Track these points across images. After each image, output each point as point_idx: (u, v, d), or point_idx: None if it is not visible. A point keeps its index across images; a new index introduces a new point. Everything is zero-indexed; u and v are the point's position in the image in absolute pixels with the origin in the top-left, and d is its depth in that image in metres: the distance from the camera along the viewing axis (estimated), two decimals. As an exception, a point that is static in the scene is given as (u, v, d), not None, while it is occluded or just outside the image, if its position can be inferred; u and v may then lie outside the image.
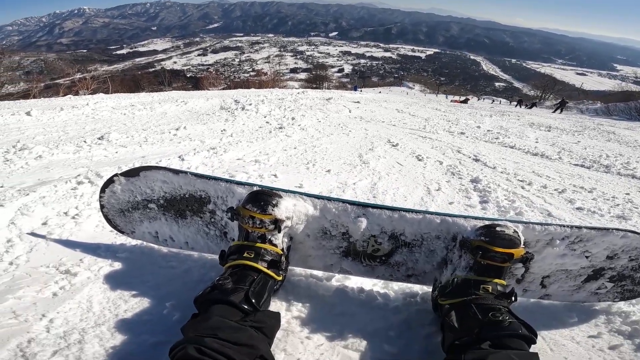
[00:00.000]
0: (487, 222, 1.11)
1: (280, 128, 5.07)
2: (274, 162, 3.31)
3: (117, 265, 1.39)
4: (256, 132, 4.76)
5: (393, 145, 4.61)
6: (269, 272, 1.11)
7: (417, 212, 1.18)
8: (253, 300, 1.01)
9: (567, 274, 1.14)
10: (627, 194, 3.03)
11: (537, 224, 1.11)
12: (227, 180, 1.31)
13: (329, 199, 1.24)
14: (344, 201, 1.23)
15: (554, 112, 17.42)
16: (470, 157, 4.23)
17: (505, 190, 2.95)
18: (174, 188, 1.35)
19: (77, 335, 1.05)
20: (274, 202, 1.16)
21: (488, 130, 6.58)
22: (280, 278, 1.17)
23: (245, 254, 1.12)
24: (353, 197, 2.52)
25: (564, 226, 1.11)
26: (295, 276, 1.40)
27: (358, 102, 10.49)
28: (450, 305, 1.04)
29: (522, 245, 1.06)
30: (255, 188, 1.25)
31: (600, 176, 3.65)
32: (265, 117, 5.95)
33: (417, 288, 1.36)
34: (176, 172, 1.34)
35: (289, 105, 7.68)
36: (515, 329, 0.90)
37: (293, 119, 5.98)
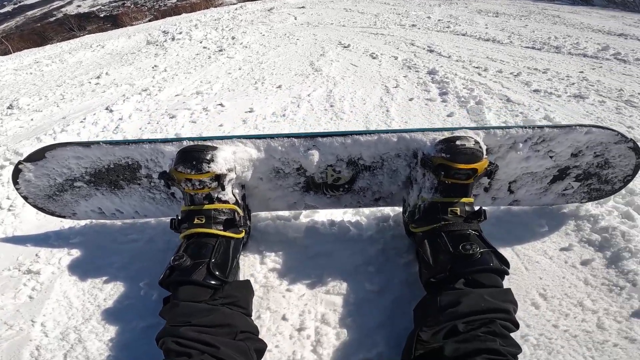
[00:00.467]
0: (446, 134, 1.01)
1: (220, 51, 4.63)
2: (219, 90, 3.04)
3: (75, 253, 1.28)
4: (193, 60, 4.30)
5: (345, 47, 4.41)
6: (227, 233, 1.02)
7: (370, 133, 1.07)
8: (217, 273, 0.93)
9: (533, 176, 1.11)
10: (581, 72, 3.02)
11: (497, 128, 1.04)
12: (149, 141, 1.12)
13: (271, 136, 1.10)
14: (288, 135, 1.10)
15: None
16: (424, 49, 4.11)
17: (462, 79, 2.90)
18: (93, 162, 1.15)
19: (73, 334, 1.02)
20: (208, 158, 1.01)
21: (439, 20, 6.40)
22: (241, 235, 1.08)
23: (196, 220, 1.01)
24: (309, 110, 2.42)
25: (525, 127, 1.04)
26: (261, 221, 1.33)
27: (303, 6, 9.78)
28: (421, 232, 1.01)
29: (485, 156, 0.99)
30: (184, 143, 1.08)
31: (552, 57, 3.62)
32: (201, 42, 5.40)
33: (388, 210, 1.33)
34: (86, 144, 1.13)
35: (227, 25, 6.98)
36: (487, 263, 0.88)
37: (233, 38, 5.47)
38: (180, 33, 6.18)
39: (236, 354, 0.80)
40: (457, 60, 3.50)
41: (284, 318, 1.02)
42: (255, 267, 1.17)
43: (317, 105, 2.51)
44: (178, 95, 2.97)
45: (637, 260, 1.05)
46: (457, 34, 5.01)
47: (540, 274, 1.08)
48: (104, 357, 0.95)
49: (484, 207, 1.00)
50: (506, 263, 0.90)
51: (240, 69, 3.66)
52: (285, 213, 1.34)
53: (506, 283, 1.00)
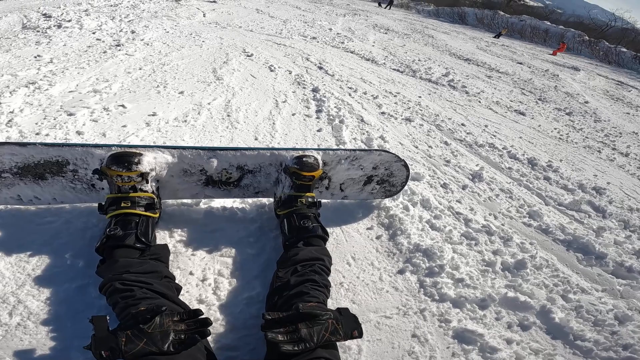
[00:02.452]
0: (299, 152, 1.54)
1: (118, 46, 4.23)
2: (118, 90, 2.92)
3: (-6, 233, 1.39)
4: (85, 54, 3.83)
5: (248, 56, 4.50)
6: (148, 213, 1.35)
7: (253, 149, 1.54)
8: (143, 239, 1.27)
9: (353, 180, 1.71)
10: (420, 97, 3.77)
11: (330, 149, 1.60)
12: (82, 145, 1.38)
13: (183, 148, 1.48)
14: (196, 148, 1.49)
15: (386, 7, 18.44)
16: (316, 65, 4.49)
17: (336, 98, 3.38)
18: (26, 158, 1.36)
19: (12, 297, 1.19)
20: (136, 161, 1.33)
21: (337, 34, 6.79)
22: (157, 215, 1.41)
23: (123, 204, 1.31)
24: (208, 118, 2.63)
25: (345, 150, 1.63)
26: (169, 207, 1.65)
27: (214, 1, 9.25)
28: (283, 214, 1.52)
29: (321, 168, 1.55)
30: (114, 149, 1.37)
31: (407, 80, 4.34)
32: (94, 33, 4.74)
33: (265, 200, 1.76)
34: (23, 144, 1.34)
35: (126, 14, 6.24)
36: (315, 232, 1.42)
37: (133, 32, 4.99)
38: (69, 20, 5.15)
39: (164, 289, 1.12)
40: (337, 79, 3.98)
41: (190, 273, 1.37)
42: (166, 239, 1.49)
43: (216, 113, 2.71)
44: (72, 92, 2.80)
45: (404, 236, 1.68)
46: (347, 51, 5.53)
47: (353, 244, 1.63)
48: (45, 311, 1.16)
49: (323, 200, 1.57)
50: (326, 233, 1.45)
51: (140, 69, 3.50)
52: (188, 201, 1.69)
53: (332, 248, 1.54)
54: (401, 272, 1.54)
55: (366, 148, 2.05)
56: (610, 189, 2.59)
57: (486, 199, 2.12)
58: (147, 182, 1.37)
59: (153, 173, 1.39)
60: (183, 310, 1.03)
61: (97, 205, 1.39)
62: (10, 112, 2.38)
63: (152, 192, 1.40)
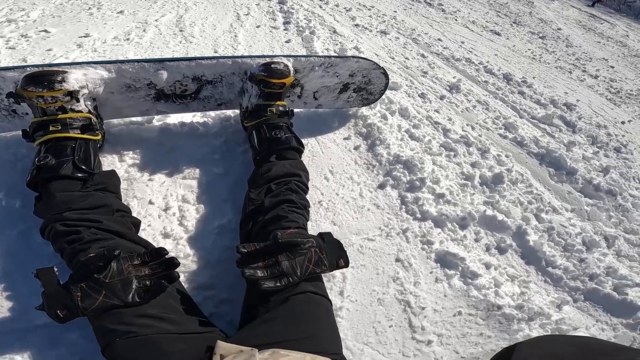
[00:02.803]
0: (267, 59, 1.32)
1: None
2: (38, 17, 2.43)
3: None
4: None
5: None
6: (85, 135, 1.11)
7: (211, 58, 1.30)
8: (83, 167, 1.04)
9: (328, 88, 1.53)
10: (395, 11, 3.53)
11: (302, 56, 1.39)
12: None
13: (121, 62, 1.20)
14: (138, 61, 1.22)
15: None
16: None
17: (306, 10, 3.10)
18: None
19: None
20: (59, 79, 1.06)
21: None
22: (99, 137, 1.18)
23: (52, 128, 1.07)
24: (157, 35, 2.29)
25: (319, 56, 1.42)
26: (114, 127, 1.40)
27: None
28: (251, 126, 1.33)
29: (292, 74, 1.34)
30: (29, 70, 1.08)
31: None
32: None
33: (230, 112, 1.55)
34: None
35: None
36: (289, 142, 1.26)
37: None
38: None
39: (117, 226, 0.94)
40: None
41: (150, 202, 1.20)
42: (115, 165, 1.28)
43: (166, 30, 2.37)
44: None
45: (384, 147, 1.58)
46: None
47: (330, 156, 1.52)
48: None
49: (296, 109, 1.39)
50: (302, 144, 1.30)
51: None
52: (138, 118, 1.44)
53: (308, 161, 1.41)
54: (382, 186, 1.46)
55: (342, 55, 1.84)
56: (579, 106, 2.61)
57: (464, 109, 2.06)
58: (79, 101, 1.11)
59: (85, 91, 1.13)
60: (144, 251, 0.86)
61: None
62: None
63: (89, 112, 1.15)
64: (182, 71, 1.28)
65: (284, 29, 2.67)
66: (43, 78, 1.05)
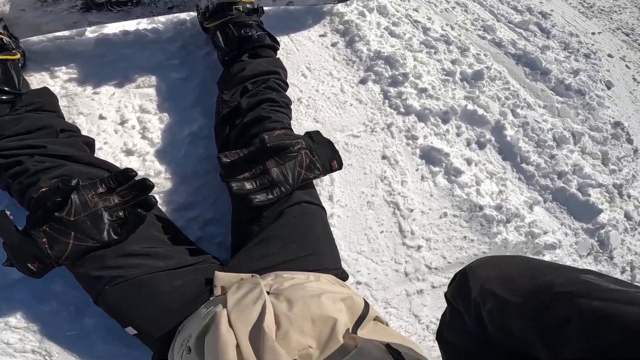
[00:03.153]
0: None
1: None
2: None
3: None
4: None
5: None
6: (1, 56, 0.89)
7: None
8: (6, 88, 0.84)
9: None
10: None
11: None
12: None
13: None
14: None
15: None
16: None
17: None
18: None
19: None
20: None
21: None
22: (18, 56, 0.95)
23: None
24: None
25: None
26: (35, 44, 1.13)
27: None
28: (214, 27, 1.13)
29: None
30: None
31: None
32: None
33: (184, 15, 1.33)
34: None
35: None
36: (262, 40, 1.08)
37: None
38: None
39: (65, 148, 0.79)
40: None
41: (101, 117, 1.03)
42: (47, 83, 1.07)
43: None
44: None
45: (363, 43, 1.44)
46: None
47: (306, 53, 1.37)
48: None
49: (265, 7, 1.19)
50: (276, 41, 1.13)
51: None
52: (64, 33, 1.17)
53: (282, 59, 1.25)
54: (363, 81, 1.36)
55: None
56: (554, 16, 2.57)
57: (442, 10, 1.93)
58: None
59: None
60: (107, 175, 0.70)
61: None
62: None
63: None
64: None
65: None
66: None
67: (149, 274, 0.66)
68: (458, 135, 1.35)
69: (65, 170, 0.73)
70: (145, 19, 1.28)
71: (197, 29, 1.28)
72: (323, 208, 0.86)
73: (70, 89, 1.08)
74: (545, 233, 1.22)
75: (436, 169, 1.23)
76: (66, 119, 0.96)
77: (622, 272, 1.28)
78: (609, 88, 2.08)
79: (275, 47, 1.14)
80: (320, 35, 1.46)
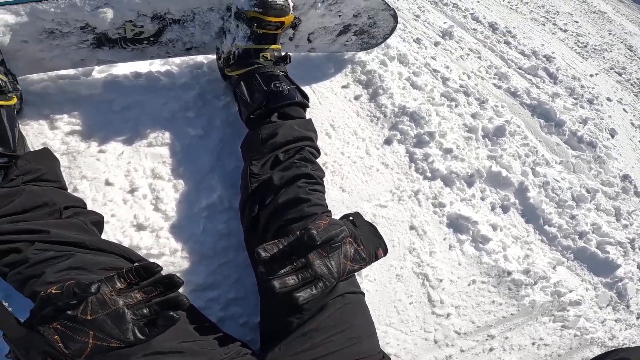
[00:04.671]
0: None
1: None
2: None
3: None
4: None
5: None
6: None
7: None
8: (0, 149, 0.73)
9: (326, 30, 1.26)
10: None
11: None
12: None
13: (35, 0, 0.82)
14: None
15: None
16: None
17: None
18: None
19: None
20: None
21: None
22: (13, 101, 0.83)
23: None
24: None
25: None
26: (34, 84, 1.00)
27: None
28: (238, 76, 1.04)
29: (291, 12, 1.04)
30: None
31: None
32: None
33: (201, 58, 1.23)
34: None
35: None
36: (293, 97, 1.00)
37: None
38: None
39: (73, 232, 0.68)
40: None
41: (107, 183, 0.91)
42: (45, 134, 0.94)
43: None
44: None
45: (387, 96, 1.38)
46: None
47: (330, 108, 1.29)
48: None
49: (289, 53, 1.11)
50: (307, 97, 1.05)
51: None
52: (69, 72, 1.05)
53: (307, 115, 1.20)
54: (388, 141, 1.29)
55: None
56: (556, 59, 2.62)
57: (458, 57, 1.92)
58: None
59: None
60: (127, 269, 0.60)
61: None
62: None
63: None
64: (136, 8, 0.92)
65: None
66: None
67: None
68: (483, 199, 1.31)
69: (74, 262, 0.63)
70: (159, 60, 1.17)
71: (214, 75, 1.19)
72: (363, 293, 0.80)
73: (72, 145, 0.95)
74: (570, 291, 1.24)
75: (463, 237, 1.19)
76: (67, 184, 0.85)
77: (638, 318, 1.33)
78: (612, 136, 2.10)
79: (306, 104, 1.05)
80: (343, 87, 1.39)
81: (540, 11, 3.83)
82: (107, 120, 1.01)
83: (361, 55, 1.49)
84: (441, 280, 1.10)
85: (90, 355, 0.54)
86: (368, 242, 0.76)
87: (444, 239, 1.17)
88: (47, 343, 0.52)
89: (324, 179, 0.94)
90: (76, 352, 0.53)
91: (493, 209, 1.31)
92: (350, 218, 0.80)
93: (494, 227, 1.25)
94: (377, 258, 0.78)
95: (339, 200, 1.09)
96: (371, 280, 1.03)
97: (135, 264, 0.64)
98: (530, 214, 1.36)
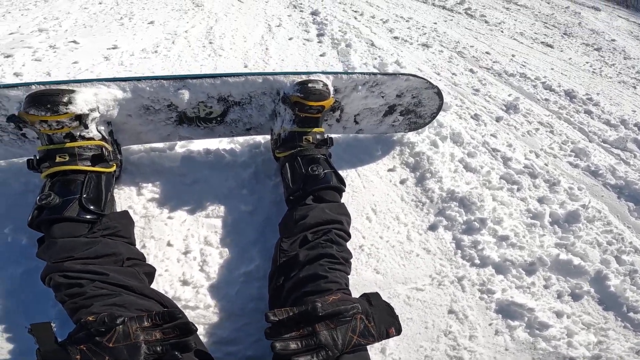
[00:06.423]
0: (303, 77, 1.14)
1: None
2: (70, 26, 2.38)
3: None
4: None
5: None
6: (96, 168, 0.97)
7: (238, 75, 1.14)
8: (92, 207, 0.90)
9: (371, 111, 1.33)
10: (435, 23, 3.35)
11: (344, 73, 1.20)
12: None
13: (137, 79, 1.06)
14: (157, 78, 1.09)
15: None
16: None
17: (340, 21, 2.96)
18: None
19: None
20: (65, 100, 0.92)
21: None
22: (113, 169, 1.04)
23: (58, 159, 0.93)
24: (185, 47, 2.21)
25: (363, 74, 1.23)
26: (134, 154, 1.27)
27: None
28: (284, 157, 1.15)
29: (332, 96, 1.15)
30: (34, 87, 0.95)
31: (419, 6, 3.86)
32: None
33: (260, 138, 1.40)
34: None
35: None
36: (328, 181, 1.07)
37: None
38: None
39: (126, 278, 0.81)
40: (340, 2, 3.51)
41: (169, 244, 1.06)
42: (132, 199, 1.15)
43: (195, 41, 2.28)
44: (13, 34, 2.23)
45: (435, 180, 1.35)
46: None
47: (373, 192, 1.31)
48: None
49: (333, 135, 1.20)
50: (343, 182, 1.11)
51: (100, 2, 2.84)
52: (159, 145, 1.30)
53: (348, 198, 1.22)
54: (433, 227, 1.24)
55: (389, 72, 1.64)
56: None
57: (524, 133, 1.78)
58: (88, 127, 0.97)
59: (96, 114, 0.99)
60: (155, 312, 0.72)
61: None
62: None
63: (102, 139, 1.00)
64: (206, 90, 1.14)
65: (318, 42, 2.52)
66: (45, 99, 0.91)
67: None
68: (546, 287, 1.16)
69: (119, 300, 0.76)
70: (226, 139, 1.38)
71: (269, 155, 1.34)
72: None
73: (150, 210, 1.15)
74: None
75: (515, 323, 1.07)
76: (138, 242, 1.02)
77: None
78: None
79: (341, 189, 1.10)
80: (389, 170, 1.40)
81: (630, 72, 3.49)
82: (179, 191, 1.20)
83: (411, 136, 1.50)
84: (478, 364, 0.97)
85: None
86: (380, 320, 0.77)
87: (490, 324, 1.05)
88: None
89: (356, 256, 0.96)
90: None
91: (560, 296, 1.16)
92: (369, 297, 0.81)
93: (559, 314, 1.11)
94: (388, 336, 0.77)
95: (371, 281, 1.07)
96: (395, 359, 0.96)
97: (162, 310, 0.74)
98: (611, 302, 1.19)
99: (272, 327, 0.72)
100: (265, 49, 2.31)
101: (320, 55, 2.31)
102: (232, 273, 1.03)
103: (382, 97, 1.28)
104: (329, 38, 2.57)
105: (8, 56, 1.93)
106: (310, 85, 1.11)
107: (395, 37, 2.81)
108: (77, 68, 1.83)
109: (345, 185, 1.11)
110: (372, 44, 2.57)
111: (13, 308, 0.90)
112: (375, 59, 2.34)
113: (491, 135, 1.68)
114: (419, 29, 3.14)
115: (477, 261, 1.16)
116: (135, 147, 1.28)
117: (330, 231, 0.96)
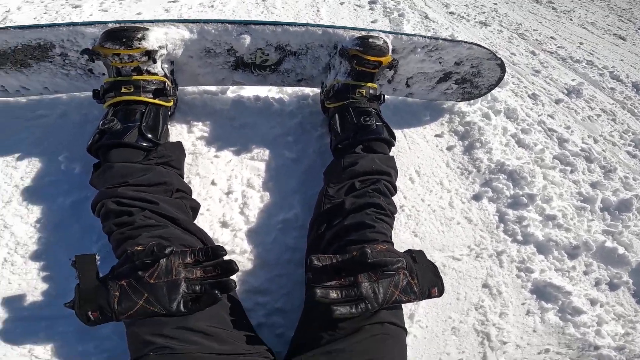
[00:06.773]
0: (363, 33, 1.12)
1: None
2: None
3: (-24, 132, 1.12)
4: None
5: None
6: (157, 101, 1.01)
7: (299, 25, 1.14)
8: (149, 136, 0.94)
9: (425, 75, 1.29)
10: (495, 4, 3.15)
11: (404, 34, 1.17)
12: (68, 24, 1.03)
13: (205, 21, 1.10)
14: (223, 21, 1.11)
15: None
16: None
17: None
18: None
19: None
20: (139, 36, 0.97)
21: None
22: (171, 103, 1.08)
23: (124, 89, 0.98)
24: (240, 3, 2.23)
25: (425, 37, 1.19)
26: (188, 95, 1.31)
27: None
28: (334, 108, 1.15)
29: (390, 53, 1.13)
30: (110, 25, 1.01)
31: None
32: None
33: (308, 90, 1.39)
34: None
35: None
36: (380, 133, 1.06)
37: None
38: None
39: (174, 209, 0.83)
40: None
41: (213, 183, 1.09)
42: (183, 135, 1.20)
43: (249, 1, 2.28)
44: None
45: (484, 150, 1.31)
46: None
47: (418, 154, 1.29)
48: (34, 240, 0.91)
49: (385, 94, 1.19)
50: (394, 136, 1.10)
51: None
52: (212, 88, 1.34)
53: (392, 153, 1.21)
54: (477, 197, 1.20)
55: (451, 38, 1.58)
56: None
57: (585, 118, 1.69)
58: (155, 63, 1.02)
59: (164, 51, 1.04)
60: (199, 248, 0.72)
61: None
62: (6, 10, 1.94)
63: (165, 75, 1.05)
64: (267, 37, 1.15)
65: (370, 9, 2.45)
66: (122, 34, 0.96)
67: (199, 352, 0.64)
68: (586, 273, 1.12)
69: (165, 232, 0.77)
70: (276, 88, 1.39)
71: (316, 108, 1.33)
72: (405, 330, 0.77)
73: (198, 147, 1.19)
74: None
75: (548, 305, 1.04)
76: (185, 177, 1.06)
77: None
78: None
79: (391, 142, 1.09)
80: (437, 135, 1.37)
81: None
82: (227, 133, 1.23)
83: (462, 106, 1.45)
84: (505, 343, 0.96)
85: (133, 315, 0.64)
86: (424, 278, 0.75)
87: (522, 304, 1.03)
88: (106, 298, 0.64)
89: (395, 216, 0.95)
90: (123, 311, 0.64)
91: (597, 284, 1.11)
92: (413, 254, 0.79)
93: (593, 302, 1.07)
94: (430, 296, 0.75)
95: (409, 243, 1.06)
96: (422, 326, 0.95)
97: (206, 246, 0.76)
98: (646, 296, 1.13)
99: (314, 273, 0.70)
100: (316, 10, 2.29)
101: (372, 22, 2.25)
102: (271, 219, 1.04)
103: (440, 63, 1.24)
104: (381, 6, 2.49)
105: (76, 7, 2.03)
106: (370, 40, 1.09)
107: (451, 13, 2.68)
108: (140, 18, 1.86)
109: (395, 140, 1.10)
110: (426, 17, 2.46)
111: (59, 244, 0.92)
112: (429, 31, 2.24)
113: (548, 115, 1.60)
114: (477, 7, 2.98)
115: (519, 237, 1.12)
116: (189, 88, 1.32)
117: (379, 181, 0.95)
